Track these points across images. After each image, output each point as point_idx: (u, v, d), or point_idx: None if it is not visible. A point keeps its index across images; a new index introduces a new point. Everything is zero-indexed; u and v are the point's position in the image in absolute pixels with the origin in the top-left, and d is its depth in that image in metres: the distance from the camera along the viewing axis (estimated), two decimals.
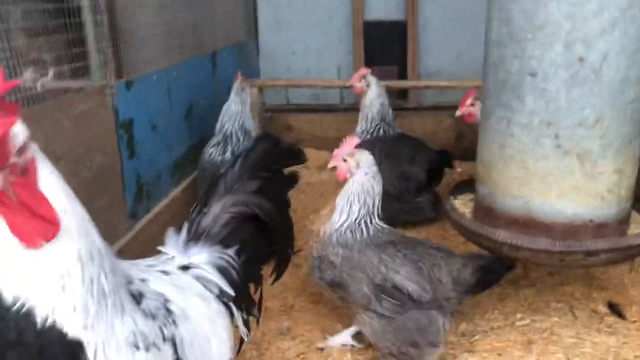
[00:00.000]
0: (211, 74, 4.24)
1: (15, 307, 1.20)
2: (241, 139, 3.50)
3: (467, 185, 3.02)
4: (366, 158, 2.52)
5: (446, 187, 4.43)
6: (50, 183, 1.24)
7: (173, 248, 1.74)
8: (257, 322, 1.93)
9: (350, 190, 2.49)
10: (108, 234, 2.61)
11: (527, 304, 2.96)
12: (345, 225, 2.45)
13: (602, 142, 2.37)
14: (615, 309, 2.87)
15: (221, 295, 1.73)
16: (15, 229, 1.18)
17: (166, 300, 1.49)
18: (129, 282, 1.43)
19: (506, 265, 2.52)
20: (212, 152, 3.50)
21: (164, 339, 1.42)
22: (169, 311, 1.48)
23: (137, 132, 2.97)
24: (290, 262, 2.02)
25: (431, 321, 2.36)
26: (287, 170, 1.93)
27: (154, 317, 1.42)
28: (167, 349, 1.42)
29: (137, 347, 1.34)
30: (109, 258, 1.36)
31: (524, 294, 3.03)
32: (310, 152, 5.06)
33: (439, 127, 5.21)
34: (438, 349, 2.41)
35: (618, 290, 3.03)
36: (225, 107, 3.57)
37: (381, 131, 3.81)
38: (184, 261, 1.71)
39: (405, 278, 2.34)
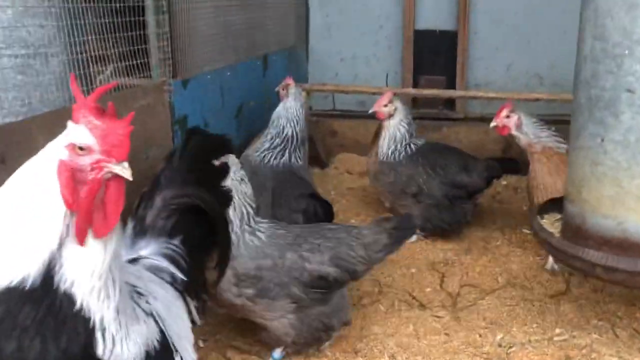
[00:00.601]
0: (262, 77, 4.36)
1: (64, 295, 1.29)
2: (300, 141, 3.52)
3: (554, 204, 2.96)
4: (237, 163, 2.47)
5: (489, 197, 4.44)
6: None
7: None
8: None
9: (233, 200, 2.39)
10: None
11: (567, 319, 2.93)
12: (246, 234, 2.41)
13: None
14: None
15: (174, 282, 1.77)
16: (81, 218, 1.29)
17: (132, 285, 1.56)
18: None
19: (413, 221, 2.79)
20: (267, 155, 3.46)
21: (146, 314, 1.50)
22: (138, 293, 1.56)
23: None
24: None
25: (345, 298, 2.61)
26: (218, 162, 1.96)
27: (131, 297, 1.49)
28: (151, 322, 1.51)
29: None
30: None
31: (565, 310, 3.01)
32: (352, 158, 5.13)
33: (486, 138, 5.17)
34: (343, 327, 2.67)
35: None
36: (281, 111, 3.55)
37: (412, 146, 3.82)
38: (132, 255, 1.75)
39: (327, 266, 2.46)
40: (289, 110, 3.55)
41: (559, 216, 2.85)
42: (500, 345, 2.72)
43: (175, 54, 2.95)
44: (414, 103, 5.55)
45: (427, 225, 3.79)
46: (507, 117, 3.52)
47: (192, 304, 1.83)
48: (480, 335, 2.80)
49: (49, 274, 1.28)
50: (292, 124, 3.53)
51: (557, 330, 2.82)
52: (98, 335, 1.32)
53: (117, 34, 2.48)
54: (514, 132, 3.50)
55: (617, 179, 2.40)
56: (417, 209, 3.75)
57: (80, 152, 1.27)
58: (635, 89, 2.30)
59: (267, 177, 3.33)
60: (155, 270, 1.75)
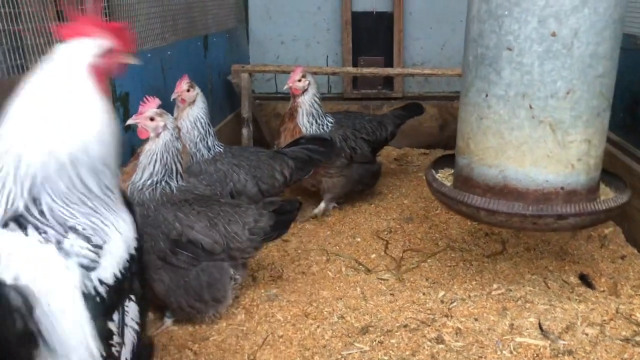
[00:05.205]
0: (203, 57, 4.35)
1: None
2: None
3: (447, 160, 3.18)
4: (172, 120, 2.67)
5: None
6: None
7: None
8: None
9: (154, 149, 2.60)
10: None
11: (504, 275, 3.11)
12: (147, 183, 2.58)
13: (572, 113, 2.53)
14: (585, 280, 3.03)
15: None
16: None
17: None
18: None
19: (296, 205, 2.80)
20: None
21: None
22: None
23: (133, 107, 3.07)
24: None
25: (221, 274, 2.63)
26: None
27: None
28: None
29: None
30: None
31: (501, 267, 3.19)
32: None
33: (423, 116, 5.31)
34: (222, 304, 2.67)
35: (589, 264, 3.20)
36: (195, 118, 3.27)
37: (330, 118, 3.92)
38: None
39: (199, 233, 2.56)
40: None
41: (451, 171, 3.07)
42: (442, 302, 2.86)
43: None
44: (354, 84, 5.68)
45: (357, 187, 4.00)
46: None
47: None
48: (423, 294, 2.94)
49: None
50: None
51: (495, 286, 2.99)
52: None
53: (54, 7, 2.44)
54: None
55: (499, 131, 2.62)
56: (347, 172, 3.88)
57: (104, 54, 1.58)
58: (513, 47, 2.50)
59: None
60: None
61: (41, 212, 1.46)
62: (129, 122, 2.65)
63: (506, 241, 3.49)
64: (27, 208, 1.46)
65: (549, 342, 2.52)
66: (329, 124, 3.87)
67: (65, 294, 1.43)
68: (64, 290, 1.43)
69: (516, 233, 3.55)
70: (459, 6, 5.38)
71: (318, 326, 2.68)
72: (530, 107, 2.52)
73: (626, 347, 2.48)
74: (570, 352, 2.45)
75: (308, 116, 3.81)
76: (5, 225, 1.44)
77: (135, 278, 1.62)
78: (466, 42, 2.74)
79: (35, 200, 1.47)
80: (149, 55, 3.33)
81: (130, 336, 1.58)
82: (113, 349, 1.50)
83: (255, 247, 2.70)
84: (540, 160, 2.57)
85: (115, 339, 1.51)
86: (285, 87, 3.85)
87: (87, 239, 1.49)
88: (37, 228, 1.44)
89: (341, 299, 2.90)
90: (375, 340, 2.56)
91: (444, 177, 3.08)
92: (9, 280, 1.34)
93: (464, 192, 2.72)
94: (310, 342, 2.57)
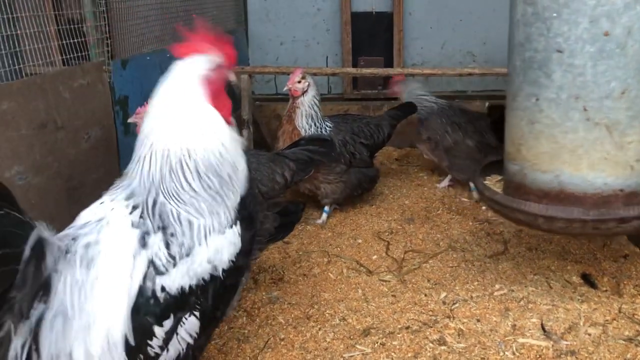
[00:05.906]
0: None
1: None
2: None
3: (494, 166, 3.10)
4: None
5: (430, 172, 4.60)
6: None
7: None
8: None
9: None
10: None
11: (506, 276, 3.10)
12: None
13: (629, 113, 2.44)
14: (587, 280, 3.02)
15: None
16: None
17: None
18: None
19: (300, 206, 2.79)
20: None
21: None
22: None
23: (132, 110, 3.07)
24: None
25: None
26: None
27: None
28: None
29: None
30: None
31: (503, 268, 3.18)
32: None
33: None
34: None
35: (591, 263, 3.19)
36: None
37: (328, 123, 3.89)
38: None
39: None
40: None
41: (499, 177, 3.00)
42: (444, 303, 2.85)
43: (112, 34, 2.92)
44: (354, 84, 5.67)
45: (355, 192, 3.97)
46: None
47: None
48: (425, 295, 2.93)
49: None
50: None
51: (497, 286, 2.98)
52: None
53: (52, 12, 2.44)
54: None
55: (553, 136, 2.55)
56: (346, 178, 3.86)
57: (214, 69, 1.75)
58: (563, 49, 2.45)
59: None
60: None
61: (154, 203, 1.61)
62: (130, 120, 2.66)
63: (508, 241, 3.48)
64: (146, 199, 1.63)
65: (551, 342, 2.51)
66: (327, 128, 3.84)
67: (117, 277, 1.52)
68: (119, 273, 1.53)
69: (517, 233, 3.54)
70: (459, 6, 5.40)
71: (320, 329, 2.67)
72: (585, 109, 2.44)
73: (629, 347, 2.47)
74: (572, 353, 2.44)
75: (307, 118, 3.79)
76: (128, 198, 1.64)
77: (208, 297, 1.64)
78: (511, 46, 2.68)
79: (156, 193, 1.64)
80: (148, 58, 3.32)
81: (178, 346, 1.60)
82: (149, 349, 1.54)
83: (260, 249, 2.69)
84: (598, 163, 2.48)
85: (156, 341, 1.55)
86: (285, 88, 3.83)
87: (167, 245, 1.57)
88: (142, 212, 1.61)
89: (342, 300, 2.90)
90: (377, 342, 2.55)
91: (492, 184, 3.00)
92: (83, 242, 1.54)
93: (520, 200, 2.64)
94: (312, 345, 2.56)
